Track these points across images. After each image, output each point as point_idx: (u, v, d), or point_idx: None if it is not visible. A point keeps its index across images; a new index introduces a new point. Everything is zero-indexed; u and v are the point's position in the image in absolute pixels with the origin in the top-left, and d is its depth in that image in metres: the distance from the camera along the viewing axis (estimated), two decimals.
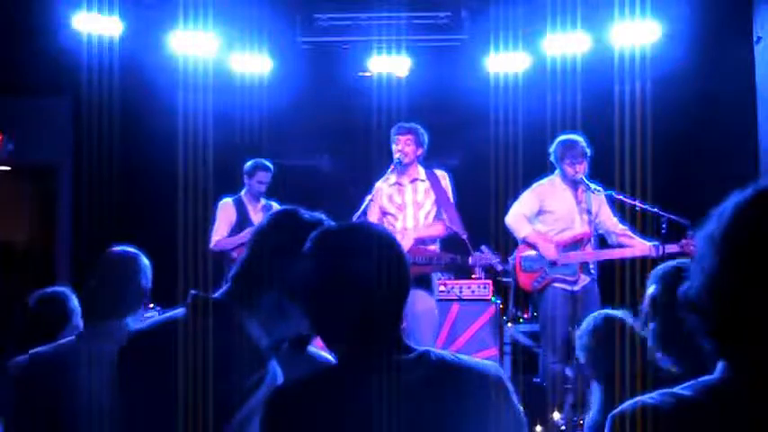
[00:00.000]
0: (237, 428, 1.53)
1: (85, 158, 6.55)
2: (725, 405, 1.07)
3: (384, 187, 5.01)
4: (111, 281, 2.61)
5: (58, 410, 2.37)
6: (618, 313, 2.64)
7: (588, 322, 2.67)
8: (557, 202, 5.02)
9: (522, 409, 1.55)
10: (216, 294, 1.66)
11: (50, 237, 7.53)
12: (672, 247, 4.71)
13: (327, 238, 1.55)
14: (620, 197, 4.97)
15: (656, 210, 4.82)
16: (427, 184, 4.95)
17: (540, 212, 5.04)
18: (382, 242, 1.52)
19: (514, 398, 1.53)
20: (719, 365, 1.11)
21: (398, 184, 4.99)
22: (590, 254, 4.96)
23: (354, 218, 4.96)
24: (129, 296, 2.61)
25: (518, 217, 5.03)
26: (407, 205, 4.93)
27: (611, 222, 5.07)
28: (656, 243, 4.77)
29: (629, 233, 4.99)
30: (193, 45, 6.59)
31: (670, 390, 1.11)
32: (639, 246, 4.88)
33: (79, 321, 2.83)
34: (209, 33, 6.59)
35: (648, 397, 1.12)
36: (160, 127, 6.44)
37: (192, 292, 1.66)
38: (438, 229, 4.95)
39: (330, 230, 1.57)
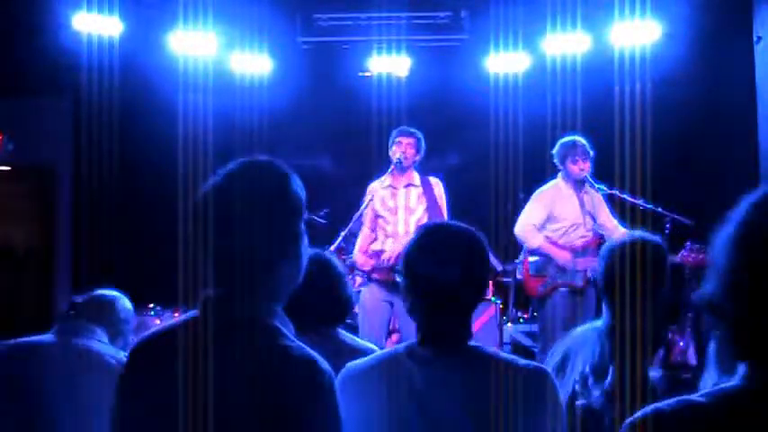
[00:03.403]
0: None
1: (85, 158, 6.55)
2: (741, 412, 1.05)
3: (378, 189, 4.94)
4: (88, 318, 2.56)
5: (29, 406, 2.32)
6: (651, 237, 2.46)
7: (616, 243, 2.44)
8: (564, 207, 4.99)
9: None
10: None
11: (50, 237, 7.52)
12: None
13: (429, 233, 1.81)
14: (624, 197, 4.96)
15: (659, 209, 4.81)
16: (420, 189, 4.90)
17: (548, 219, 5.00)
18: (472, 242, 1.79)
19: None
20: (740, 372, 1.08)
21: (392, 187, 4.91)
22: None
23: (354, 219, 4.93)
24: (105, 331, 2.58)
25: (527, 227, 5.01)
26: (399, 209, 4.89)
27: (611, 225, 5.05)
28: None
29: None
30: (193, 45, 6.59)
31: (685, 397, 1.10)
32: None
33: (126, 329, 2.64)
34: (209, 33, 6.59)
35: (664, 404, 1.10)
36: (160, 127, 6.43)
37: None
38: None
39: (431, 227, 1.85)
